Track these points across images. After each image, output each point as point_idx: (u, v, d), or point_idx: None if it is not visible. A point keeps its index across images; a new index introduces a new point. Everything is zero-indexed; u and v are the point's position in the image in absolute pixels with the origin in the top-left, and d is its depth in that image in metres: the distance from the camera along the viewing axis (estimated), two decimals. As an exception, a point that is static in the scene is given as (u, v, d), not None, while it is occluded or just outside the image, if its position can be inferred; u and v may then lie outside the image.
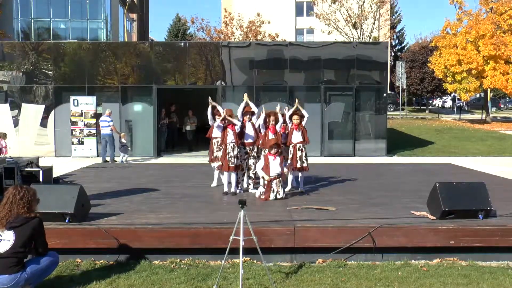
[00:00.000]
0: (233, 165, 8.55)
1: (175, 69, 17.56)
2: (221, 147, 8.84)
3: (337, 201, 8.08)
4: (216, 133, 8.92)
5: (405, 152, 17.95)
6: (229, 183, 8.79)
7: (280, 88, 17.26)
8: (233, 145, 8.56)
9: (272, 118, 8.70)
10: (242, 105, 8.93)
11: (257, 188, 9.03)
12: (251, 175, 9.05)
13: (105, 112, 15.65)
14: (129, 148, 15.63)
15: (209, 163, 9.33)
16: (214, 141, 8.99)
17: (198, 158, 15.87)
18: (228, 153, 8.54)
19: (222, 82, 17.21)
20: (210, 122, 9.00)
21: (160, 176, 11.56)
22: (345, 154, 16.89)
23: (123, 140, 15.30)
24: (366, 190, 9.30)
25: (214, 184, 9.17)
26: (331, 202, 7.96)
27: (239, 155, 8.65)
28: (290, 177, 9.19)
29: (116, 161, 15.21)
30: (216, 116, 8.89)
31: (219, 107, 8.97)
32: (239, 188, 8.97)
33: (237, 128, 8.62)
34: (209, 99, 8.87)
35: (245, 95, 8.98)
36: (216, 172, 9.12)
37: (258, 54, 17.34)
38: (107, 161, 15.22)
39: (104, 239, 6.03)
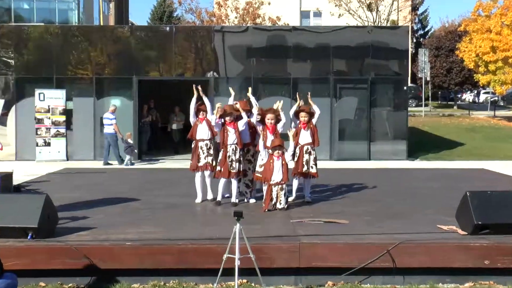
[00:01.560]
0: (234, 171, 8.56)
1: (159, 58, 17.53)
2: (209, 151, 8.85)
3: (349, 213, 8.07)
4: (202, 133, 8.89)
5: (429, 155, 17.97)
6: (225, 196, 8.79)
7: (283, 80, 17.23)
8: (235, 147, 8.58)
9: (270, 116, 8.71)
10: (231, 99, 9.04)
11: (255, 198, 9.01)
12: (247, 182, 9.04)
13: (109, 108, 15.81)
14: (135, 150, 15.83)
15: (192, 171, 9.24)
16: (200, 144, 8.92)
17: (186, 162, 15.80)
18: (229, 157, 8.55)
19: (215, 73, 17.19)
20: (191, 119, 8.97)
21: (141, 183, 11.53)
22: (358, 158, 16.88)
23: (129, 140, 15.55)
24: (384, 200, 9.30)
25: (198, 199, 9.10)
26: (343, 214, 7.95)
27: (241, 159, 8.67)
28: (294, 184, 9.17)
29: (110, 163, 15.32)
30: (201, 113, 8.87)
31: (206, 100, 8.93)
32: (248, 197, 8.98)
33: (242, 126, 8.64)
34: (195, 86, 8.83)
35: (250, 89, 9.20)
36: (199, 185, 9.10)
37: (256, 41, 17.33)
38: (109, 163, 15.39)
39: (73, 258, 5.97)
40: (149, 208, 8.50)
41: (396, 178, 12.39)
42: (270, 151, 8.29)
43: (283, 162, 8.22)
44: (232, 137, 8.58)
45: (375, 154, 17.17)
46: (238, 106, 8.69)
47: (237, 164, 8.60)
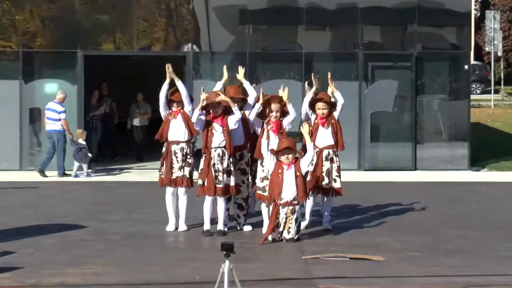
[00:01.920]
0: (221, 185, 8.58)
1: (115, 25, 17.50)
2: (186, 158, 8.87)
3: (385, 246, 8.09)
4: (176, 133, 8.91)
5: (501, 164, 17.94)
6: (212, 220, 8.79)
7: (291, 56, 17.22)
8: (222, 151, 8.61)
9: (274, 106, 8.71)
10: (220, 83, 9.13)
11: (251, 224, 9.04)
12: (240, 201, 9.04)
13: (56, 96, 15.71)
14: (89, 154, 15.80)
15: (162, 187, 9.21)
16: (174, 148, 8.94)
17: (154, 174, 15.77)
18: (214, 165, 8.58)
19: (194, 47, 17.18)
20: (162, 112, 9.05)
21: (89, 203, 11.51)
22: (399, 167, 16.84)
23: (80, 141, 15.53)
24: (437, 229, 9.32)
25: (171, 226, 9.10)
26: (376, 248, 7.94)
27: (231, 169, 8.70)
28: (308, 204, 9.18)
29: (68, 174, 15.39)
30: (175, 104, 8.88)
31: (181, 86, 8.91)
32: (241, 223, 9.05)
33: (233, 123, 8.68)
34: (168, 67, 8.87)
35: (240, 69, 9.18)
36: (172, 206, 9.09)
37: (253, 1, 17.36)
38: (68, 174, 15.39)
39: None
40: (100, 239, 8.48)
41: (454, 197, 12.37)
42: (276, 156, 8.32)
43: (297, 172, 8.24)
44: (218, 138, 8.59)
45: (423, 162, 17.15)
46: (226, 95, 8.73)
47: (225, 176, 8.59)
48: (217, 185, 8.56)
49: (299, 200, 8.25)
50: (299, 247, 7.98)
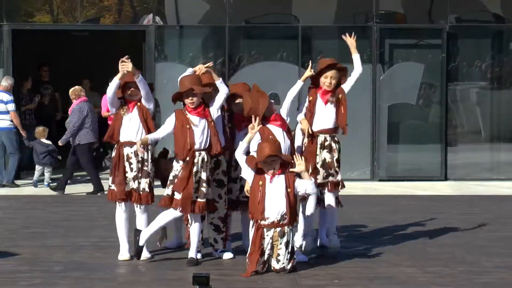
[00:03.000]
0: (202, 199, 8.68)
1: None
2: (144, 166, 8.95)
3: (408, 279, 8.14)
4: (128, 134, 9.00)
5: None
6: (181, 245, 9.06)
7: (283, 31, 17.34)
8: (206, 155, 8.74)
9: (239, 99, 8.92)
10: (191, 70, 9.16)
11: (231, 251, 9.11)
12: (217, 222, 9.13)
13: (1, 83, 15.86)
14: (59, 156, 15.87)
15: (110, 201, 9.24)
16: (126, 151, 9.01)
17: (105, 184, 15.72)
18: (196, 173, 8.68)
19: (157, 19, 17.14)
20: (110, 108, 9.19)
21: (21, 223, 11.53)
22: (424, 176, 16.92)
23: (44, 141, 15.80)
24: (472, 255, 9.37)
25: (124, 255, 9.13)
26: (396, 281, 7.99)
27: (210, 179, 8.81)
28: (300, 217, 9.15)
29: (16, 185, 15.63)
30: (130, 91, 8.99)
31: (141, 84, 9.01)
32: (219, 249, 9.14)
33: (216, 109, 8.84)
34: (123, 61, 8.97)
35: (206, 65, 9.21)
36: (124, 228, 9.14)
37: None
38: (16, 184, 15.71)
39: None
40: (37, 271, 8.48)
41: (496, 215, 12.42)
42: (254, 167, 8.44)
43: (289, 188, 8.32)
44: (199, 136, 8.70)
45: (456, 170, 17.21)
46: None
47: (206, 187, 8.72)
48: (198, 200, 8.65)
49: (289, 220, 8.28)
50: (295, 280, 8.01)
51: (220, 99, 8.88)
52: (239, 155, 8.56)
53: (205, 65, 9.22)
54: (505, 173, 17.14)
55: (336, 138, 9.15)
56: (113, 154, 9.14)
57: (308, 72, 9.26)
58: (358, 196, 13.68)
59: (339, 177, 9.10)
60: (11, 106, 15.64)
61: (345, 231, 10.25)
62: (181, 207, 8.65)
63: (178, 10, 17.27)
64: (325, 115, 9.05)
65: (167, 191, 8.75)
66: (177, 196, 8.69)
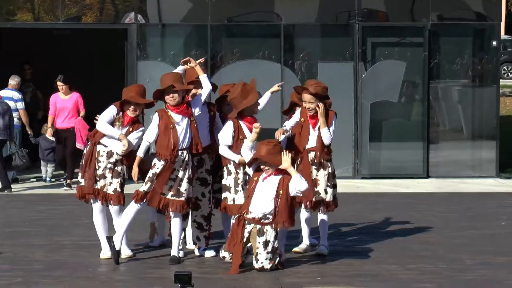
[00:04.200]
0: (180, 199, 8.71)
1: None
2: (115, 166, 8.95)
3: (390, 276, 8.16)
4: (109, 140, 8.99)
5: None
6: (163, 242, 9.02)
7: (266, 29, 17.28)
8: (187, 154, 8.77)
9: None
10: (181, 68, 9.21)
11: (214, 249, 9.11)
12: (200, 220, 9.14)
13: (9, 82, 15.85)
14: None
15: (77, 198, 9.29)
16: (99, 149, 9.00)
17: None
18: (174, 172, 8.70)
19: (139, 17, 17.08)
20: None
21: (2, 222, 11.52)
22: (406, 174, 16.93)
23: (48, 136, 15.80)
24: (453, 252, 9.42)
25: (105, 253, 9.03)
26: (378, 278, 8.01)
27: (191, 177, 8.84)
28: (303, 224, 9.33)
29: (18, 181, 15.65)
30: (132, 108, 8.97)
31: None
32: (201, 247, 9.16)
33: (200, 101, 8.91)
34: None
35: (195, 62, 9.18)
36: (103, 226, 9.10)
37: (217, -44, 17.33)
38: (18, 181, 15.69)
39: None
40: (18, 270, 8.47)
41: (477, 213, 12.47)
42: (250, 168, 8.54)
43: (281, 190, 8.34)
44: (182, 135, 8.72)
45: (437, 167, 17.23)
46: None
47: (188, 185, 8.74)
48: (175, 198, 8.66)
49: (278, 226, 8.29)
50: (277, 278, 8.01)
51: (203, 94, 8.90)
52: (245, 153, 8.63)
53: (197, 61, 9.24)
54: (486, 170, 17.17)
55: (329, 156, 9.14)
56: (85, 150, 9.15)
57: (276, 88, 9.38)
58: (341, 194, 13.42)
59: (329, 197, 9.07)
60: (21, 104, 15.74)
61: (328, 229, 10.23)
62: (148, 201, 8.70)
63: (160, 8, 17.22)
64: (312, 135, 9.08)
65: (144, 187, 8.72)
66: (143, 188, 8.74)
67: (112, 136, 8.86)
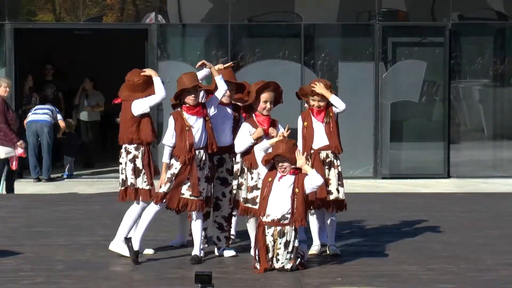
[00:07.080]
0: (200, 198, 8.71)
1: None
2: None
3: (410, 277, 8.13)
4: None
5: None
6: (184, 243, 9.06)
7: (286, 29, 17.33)
8: (204, 154, 8.79)
9: (267, 96, 8.87)
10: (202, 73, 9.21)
11: (234, 249, 9.12)
12: (221, 220, 9.16)
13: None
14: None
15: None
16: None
17: (107, 183, 16.01)
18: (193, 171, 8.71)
19: (160, 18, 17.11)
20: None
21: (24, 222, 11.53)
22: (427, 174, 16.92)
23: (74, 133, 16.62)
24: (475, 252, 9.37)
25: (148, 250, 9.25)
26: (398, 279, 8.00)
27: (209, 175, 8.85)
28: (314, 224, 9.29)
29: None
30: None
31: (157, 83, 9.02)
32: (221, 247, 9.15)
33: (216, 102, 8.90)
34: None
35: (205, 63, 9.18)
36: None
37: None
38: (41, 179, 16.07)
39: None
40: (39, 270, 8.48)
41: (499, 213, 12.42)
42: (265, 167, 8.49)
43: (297, 188, 8.34)
44: (197, 136, 8.73)
45: (459, 167, 17.18)
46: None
47: (206, 184, 8.77)
48: (194, 198, 8.66)
49: (295, 219, 8.28)
50: (298, 278, 8.00)
51: (218, 95, 8.87)
52: (258, 152, 8.62)
53: (226, 65, 9.34)
54: (508, 170, 17.13)
55: (337, 155, 9.10)
56: (138, 153, 9.02)
57: (260, 130, 8.94)
58: (361, 193, 13.67)
59: (342, 196, 9.04)
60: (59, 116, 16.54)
61: (348, 229, 10.24)
62: (168, 202, 8.72)
63: (180, 8, 17.25)
64: (320, 133, 9.05)
65: (164, 188, 8.73)
66: (163, 189, 8.75)
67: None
